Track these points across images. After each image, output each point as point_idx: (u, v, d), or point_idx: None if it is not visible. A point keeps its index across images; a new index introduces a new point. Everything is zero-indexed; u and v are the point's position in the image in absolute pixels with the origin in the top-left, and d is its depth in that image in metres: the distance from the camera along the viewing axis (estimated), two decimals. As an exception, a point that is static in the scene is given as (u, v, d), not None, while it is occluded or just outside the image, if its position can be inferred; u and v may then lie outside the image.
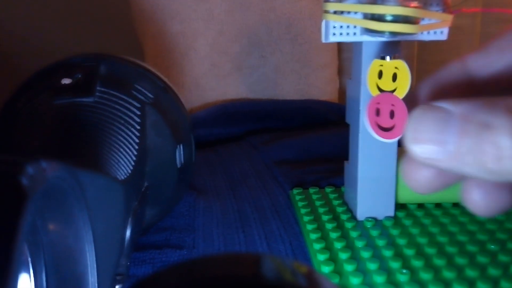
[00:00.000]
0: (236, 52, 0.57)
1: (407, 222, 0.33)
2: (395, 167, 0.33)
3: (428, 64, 0.69)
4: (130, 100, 0.30)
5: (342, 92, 0.71)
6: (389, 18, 0.27)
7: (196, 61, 0.56)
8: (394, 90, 0.28)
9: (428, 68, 0.70)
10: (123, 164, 0.27)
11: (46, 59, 0.31)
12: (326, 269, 0.28)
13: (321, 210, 0.35)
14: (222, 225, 0.36)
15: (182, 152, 0.33)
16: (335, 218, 0.34)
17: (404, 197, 0.35)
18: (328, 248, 0.30)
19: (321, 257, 0.29)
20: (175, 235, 0.35)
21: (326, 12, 0.30)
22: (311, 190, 0.38)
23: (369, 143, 0.32)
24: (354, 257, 0.29)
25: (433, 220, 0.33)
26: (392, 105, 0.29)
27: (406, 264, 0.28)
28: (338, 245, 0.30)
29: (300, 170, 0.44)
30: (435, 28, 0.28)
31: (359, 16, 0.28)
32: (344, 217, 0.34)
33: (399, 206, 0.35)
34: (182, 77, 0.57)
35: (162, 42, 0.55)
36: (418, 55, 0.69)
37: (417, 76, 0.70)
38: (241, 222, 0.36)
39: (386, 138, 0.29)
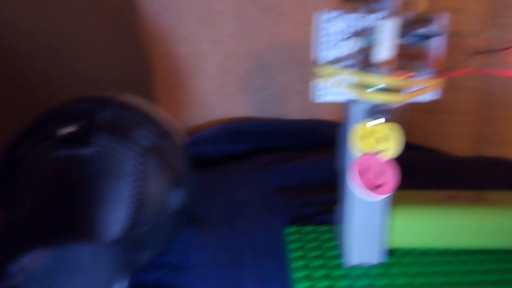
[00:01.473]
0: (243, 73, 0.57)
1: (395, 270, 0.34)
2: (386, 215, 0.34)
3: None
4: (130, 149, 0.31)
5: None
6: (376, 87, 0.27)
7: (203, 81, 0.57)
8: (382, 151, 0.29)
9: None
10: (118, 220, 0.28)
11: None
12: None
13: (312, 254, 0.36)
14: (215, 264, 0.37)
15: (180, 195, 0.34)
16: (325, 264, 0.35)
17: (394, 243, 0.36)
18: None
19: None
20: (168, 274, 0.36)
21: (316, 75, 0.30)
22: (307, 229, 0.39)
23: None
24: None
25: (419, 270, 0.34)
26: (381, 165, 0.30)
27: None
28: (324, 296, 0.31)
29: (301, 201, 0.45)
30: (422, 94, 0.29)
31: (347, 81, 0.29)
32: (333, 263, 0.35)
33: (391, 252, 0.36)
34: (189, 96, 0.58)
35: (171, 62, 0.56)
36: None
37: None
38: (235, 261, 0.37)
39: (376, 196, 0.30)
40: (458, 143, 0.72)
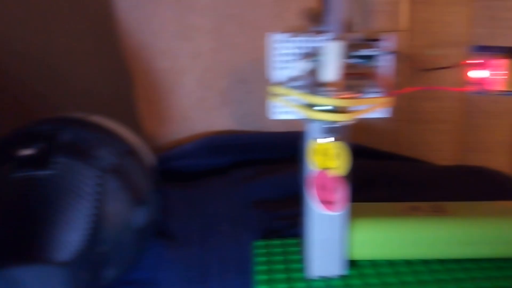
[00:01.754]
0: (223, 87, 0.59)
1: (356, 282, 0.35)
2: (345, 229, 0.35)
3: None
4: (89, 169, 0.32)
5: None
6: (324, 107, 0.29)
7: (184, 96, 0.59)
8: (334, 168, 0.30)
9: (418, 94, 0.71)
10: (74, 240, 0.29)
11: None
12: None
13: (277, 267, 0.37)
14: (183, 281, 0.38)
15: (143, 214, 0.36)
16: (288, 277, 0.36)
17: (356, 255, 0.37)
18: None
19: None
20: (137, 289, 0.37)
21: (270, 94, 0.31)
22: (274, 243, 0.40)
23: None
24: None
25: (380, 281, 0.35)
26: (334, 181, 0.31)
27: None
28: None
29: (273, 214, 0.46)
30: (369, 112, 0.30)
31: (299, 101, 0.30)
32: (297, 276, 0.36)
33: (352, 263, 0.37)
34: (169, 111, 0.60)
35: (151, 78, 0.58)
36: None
37: (408, 102, 0.71)
38: (205, 276, 0.38)
39: (328, 211, 0.31)
40: (442, 151, 0.73)
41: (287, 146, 0.61)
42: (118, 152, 0.36)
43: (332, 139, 0.30)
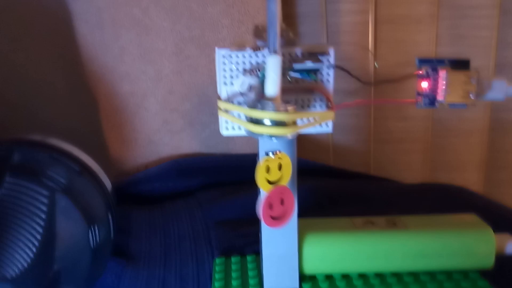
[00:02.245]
0: (187, 109, 0.60)
1: (309, 297, 0.35)
2: (297, 243, 0.35)
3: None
4: (39, 189, 0.33)
5: (302, 140, 0.74)
6: (266, 122, 0.29)
7: (148, 119, 0.60)
8: (278, 181, 0.31)
9: (386, 114, 0.72)
10: (21, 258, 0.30)
11: None
12: None
13: (234, 283, 0.38)
14: (143, 297, 0.39)
15: (97, 233, 0.36)
16: (243, 292, 0.36)
17: (310, 269, 0.37)
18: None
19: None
20: (95, 308, 0.38)
21: (219, 109, 0.32)
22: (233, 259, 0.41)
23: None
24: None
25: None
26: (281, 193, 0.32)
27: None
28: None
29: (236, 233, 0.47)
30: (312, 126, 0.31)
31: (243, 116, 0.31)
32: (252, 291, 0.36)
33: (308, 277, 0.38)
34: (135, 134, 0.60)
35: (114, 102, 0.58)
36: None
37: (375, 123, 0.72)
38: (162, 293, 0.39)
39: (277, 226, 0.32)
40: (411, 170, 0.75)
41: (253, 167, 0.62)
42: (70, 172, 0.36)
43: (276, 153, 0.31)
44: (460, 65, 0.34)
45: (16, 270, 0.30)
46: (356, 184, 0.59)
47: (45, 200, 0.33)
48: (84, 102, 0.60)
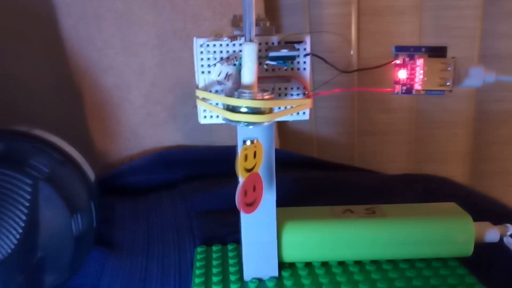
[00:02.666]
0: (171, 102, 0.61)
1: (288, 282, 0.37)
2: (275, 231, 0.37)
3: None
4: (22, 178, 0.34)
5: (286, 133, 0.75)
6: (243, 109, 0.31)
7: (132, 111, 0.61)
8: (252, 169, 0.32)
9: (369, 106, 0.74)
10: (3, 244, 0.31)
11: None
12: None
13: (214, 270, 0.39)
14: (124, 285, 0.40)
15: (79, 221, 0.37)
16: (224, 279, 0.37)
17: (289, 257, 0.38)
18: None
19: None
20: (78, 296, 0.39)
21: (197, 97, 0.34)
22: (214, 248, 0.42)
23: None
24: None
25: (312, 280, 0.37)
26: (254, 180, 0.33)
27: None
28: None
29: (217, 222, 0.48)
30: (288, 114, 0.32)
31: (220, 105, 0.32)
32: (232, 278, 0.37)
33: (287, 265, 0.39)
34: (119, 127, 0.61)
35: (98, 95, 0.59)
36: (359, 95, 0.73)
37: (359, 115, 0.74)
38: (144, 281, 0.40)
39: (250, 212, 0.33)
40: (396, 162, 0.76)
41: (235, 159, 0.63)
42: (53, 162, 0.37)
43: (252, 141, 0.32)
44: (437, 52, 0.35)
45: (0, 256, 0.31)
46: (339, 176, 0.60)
47: (28, 189, 0.35)
48: (69, 95, 0.61)
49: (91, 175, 0.42)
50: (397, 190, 0.55)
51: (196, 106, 0.34)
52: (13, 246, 0.32)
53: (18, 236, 0.33)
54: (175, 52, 0.59)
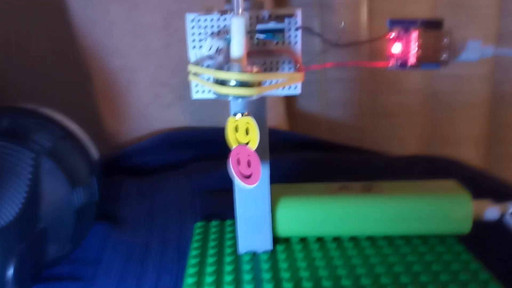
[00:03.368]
0: (177, 84, 0.62)
1: (282, 256, 0.38)
2: (269, 205, 0.38)
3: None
4: (24, 151, 0.37)
5: (299, 116, 0.76)
6: (232, 83, 0.32)
7: (139, 93, 0.62)
8: (248, 143, 0.34)
9: (381, 87, 0.74)
10: (5, 212, 0.33)
11: None
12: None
13: (211, 244, 0.40)
14: (125, 258, 0.42)
15: (80, 194, 0.39)
16: (219, 252, 0.39)
17: (284, 231, 0.40)
18: (199, 282, 0.35)
19: (188, 290, 0.35)
20: (81, 267, 0.41)
21: (189, 72, 0.35)
22: (213, 223, 0.44)
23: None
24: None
25: (305, 254, 0.38)
26: (248, 155, 0.34)
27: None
28: (208, 279, 0.36)
29: (219, 200, 0.50)
30: (278, 87, 0.33)
31: (210, 79, 0.34)
32: (228, 251, 0.39)
33: (283, 240, 0.40)
34: (127, 108, 0.63)
35: (106, 76, 0.61)
36: (370, 76, 0.73)
37: (370, 96, 0.74)
38: (144, 254, 0.42)
39: (247, 184, 0.35)
40: (407, 145, 0.76)
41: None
42: (55, 137, 0.39)
43: (243, 114, 0.33)
44: (432, 25, 0.35)
45: (2, 222, 0.33)
46: (342, 156, 0.61)
47: (30, 162, 0.37)
48: (78, 77, 0.63)
49: (94, 152, 0.44)
50: (401, 170, 0.56)
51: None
52: (15, 214, 0.34)
53: (19, 206, 0.35)
54: (181, 33, 0.60)
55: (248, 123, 0.34)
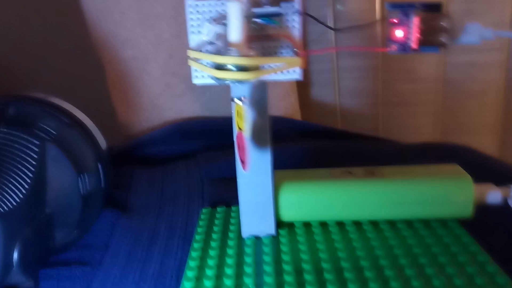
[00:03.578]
0: (188, 74, 0.63)
1: (284, 239, 0.38)
2: (272, 191, 0.38)
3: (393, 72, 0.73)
4: (30, 139, 0.38)
5: (312, 105, 0.76)
6: (230, 67, 0.32)
7: (151, 83, 0.63)
8: (242, 128, 0.34)
9: (394, 76, 0.74)
10: (11, 196, 0.34)
11: None
12: (187, 284, 0.34)
13: (215, 229, 0.41)
14: (132, 243, 0.42)
15: (87, 181, 0.40)
16: (223, 236, 0.40)
17: (287, 216, 0.40)
18: (201, 266, 0.36)
19: (190, 273, 0.35)
20: (88, 252, 0.42)
21: (189, 58, 0.36)
22: (219, 209, 0.44)
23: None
24: (219, 275, 0.35)
25: (307, 237, 0.38)
26: (243, 141, 0.35)
27: (259, 281, 0.34)
28: (211, 262, 0.36)
29: (227, 187, 0.50)
30: (278, 72, 0.34)
31: (209, 64, 0.34)
32: (231, 235, 0.40)
33: (286, 225, 0.41)
34: (139, 98, 0.64)
35: (118, 67, 0.62)
36: (383, 65, 0.73)
37: (383, 85, 0.74)
38: (151, 240, 0.43)
39: (243, 169, 0.35)
40: (422, 133, 0.76)
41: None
42: (60, 125, 0.40)
43: (239, 99, 0.34)
44: (432, 8, 0.35)
45: (6, 208, 0.34)
46: (355, 144, 0.61)
47: (36, 149, 0.38)
48: (90, 68, 0.64)
49: (101, 140, 0.45)
50: (413, 157, 0.56)
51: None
52: (19, 199, 0.35)
53: (24, 191, 0.36)
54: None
55: (242, 109, 0.34)
